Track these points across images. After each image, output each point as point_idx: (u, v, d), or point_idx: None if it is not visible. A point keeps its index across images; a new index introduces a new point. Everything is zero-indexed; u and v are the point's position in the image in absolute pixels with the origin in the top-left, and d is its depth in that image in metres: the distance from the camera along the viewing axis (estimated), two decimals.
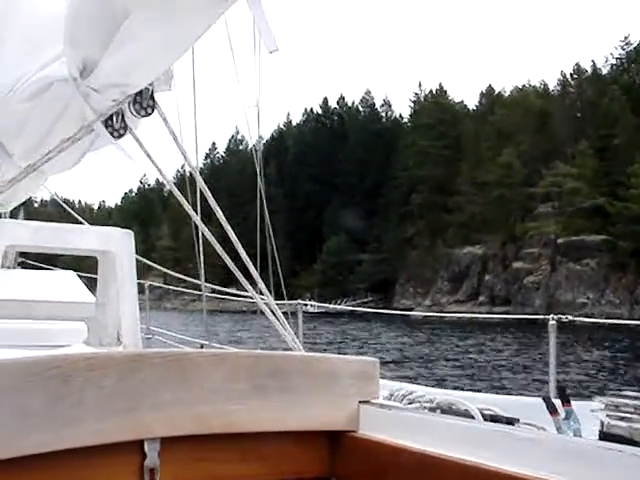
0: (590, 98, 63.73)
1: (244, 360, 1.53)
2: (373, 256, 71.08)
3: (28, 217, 4.81)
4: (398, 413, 1.61)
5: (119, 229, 2.46)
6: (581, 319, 3.70)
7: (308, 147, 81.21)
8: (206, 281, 5.42)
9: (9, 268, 3.47)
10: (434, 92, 78.22)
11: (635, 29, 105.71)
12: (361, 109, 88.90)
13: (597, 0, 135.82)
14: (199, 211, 4.71)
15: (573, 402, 2.69)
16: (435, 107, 74.53)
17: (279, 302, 4.19)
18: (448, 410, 1.88)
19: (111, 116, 2.30)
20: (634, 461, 1.10)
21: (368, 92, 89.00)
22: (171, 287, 5.63)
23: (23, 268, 4.40)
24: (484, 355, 24.40)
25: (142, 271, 4.03)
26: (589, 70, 68.39)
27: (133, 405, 1.35)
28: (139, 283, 2.79)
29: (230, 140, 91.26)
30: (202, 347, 4.21)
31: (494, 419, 1.88)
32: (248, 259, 2.60)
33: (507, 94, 74.15)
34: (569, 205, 58.29)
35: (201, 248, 4.94)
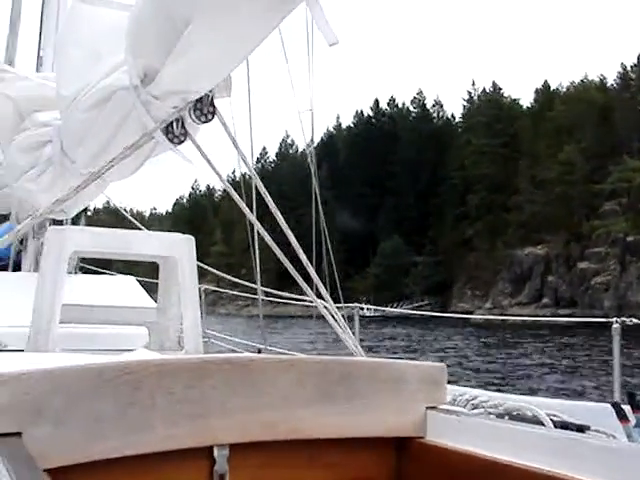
0: None
1: (312, 366, 1.53)
2: (428, 258, 70.35)
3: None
4: (467, 419, 1.58)
5: (181, 235, 2.48)
6: None
7: (359, 149, 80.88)
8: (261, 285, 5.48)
9: (71, 274, 3.55)
10: (487, 90, 77.22)
11: None
12: (412, 110, 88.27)
13: None
14: (255, 215, 4.75)
15: None
16: (490, 105, 73.47)
17: (336, 306, 4.18)
18: (516, 416, 1.84)
19: (171, 123, 2.32)
20: None
21: (420, 92, 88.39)
22: (227, 291, 5.66)
23: (83, 273, 4.48)
24: (548, 358, 23.84)
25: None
26: None
27: (202, 411, 1.36)
28: None
29: (281, 144, 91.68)
30: (259, 351, 4.23)
31: (564, 426, 1.82)
32: (308, 263, 2.60)
33: (564, 90, 72.58)
34: (639, 201, 56.11)
35: (257, 253, 4.98)
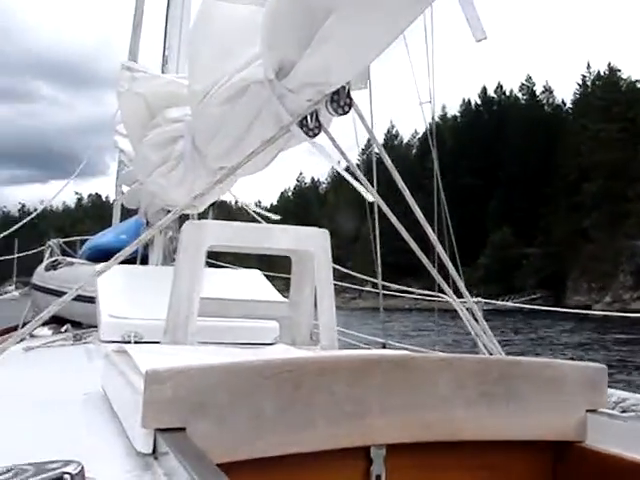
0: None
1: (470, 365, 1.47)
2: (540, 250, 68.23)
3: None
4: (634, 424, 1.48)
5: (316, 228, 2.47)
6: None
7: (466, 139, 79.39)
8: (372, 278, 5.43)
9: None
10: (602, 73, 73.87)
11: None
12: (521, 97, 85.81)
13: None
14: (375, 209, 4.69)
15: None
16: (606, 88, 70.19)
17: (460, 300, 4.08)
18: None
19: (306, 116, 2.30)
20: None
21: (528, 78, 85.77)
22: (350, 285, 5.65)
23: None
24: None
25: None
26: None
27: (362, 410, 1.33)
28: None
29: (385, 135, 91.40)
30: (384, 346, 4.18)
31: None
32: (444, 253, 2.51)
33: None
34: None
35: (378, 246, 4.94)
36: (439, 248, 2.55)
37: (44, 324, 5.31)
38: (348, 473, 1.39)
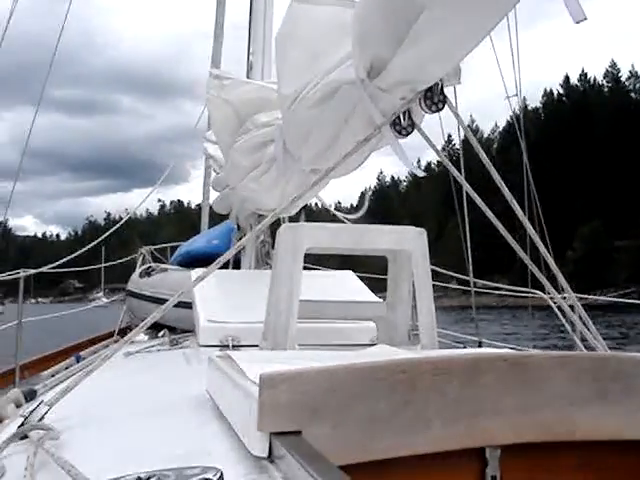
0: None
1: (586, 362, 1.42)
2: (633, 242, 65.72)
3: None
4: None
5: (413, 227, 2.44)
6: None
7: (550, 130, 77.21)
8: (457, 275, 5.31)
9: None
10: None
11: None
12: (605, 84, 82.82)
13: None
14: (464, 204, 4.60)
15: None
16: None
17: (549, 296, 3.97)
18: None
19: (398, 115, 2.28)
20: None
21: (613, 65, 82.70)
22: (439, 283, 5.56)
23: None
24: None
25: None
26: None
27: (476, 411, 1.31)
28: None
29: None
30: (480, 345, 4.11)
31: None
32: (544, 248, 2.44)
33: None
34: None
35: (469, 243, 4.86)
36: (538, 242, 2.48)
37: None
38: (463, 475, 1.36)
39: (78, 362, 4.18)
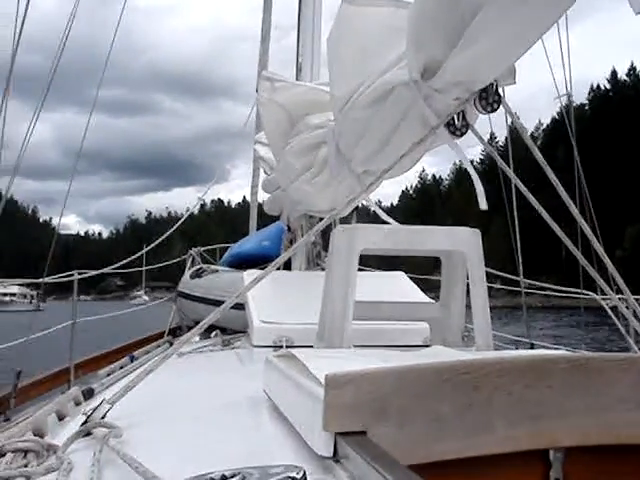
0: None
1: None
2: None
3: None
4: None
5: (468, 228, 2.43)
6: None
7: (596, 128, 75.65)
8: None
9: None
10: None
11: None
12: None
13: None
14: (513, 202, 4.55)
15: None
16: None
17: (601, 297, 3.90)
18: None
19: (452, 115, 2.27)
20: None
21: None
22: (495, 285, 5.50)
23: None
24: None
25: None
26: None
27: (540, 412, 1.30)
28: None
29: (511, 126, 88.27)
30: (532, 347, 4.06)
31: None
32: (601, 249, 2.41)
33: None
34: None
35: (519, 244, 4.80)
36: (594, 241, 2.45)
37: (190, 330, 5.54)
38: (526, 476, 1.35)
39: (132, 362, 4.25)
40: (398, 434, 1.22)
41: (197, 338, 4.41)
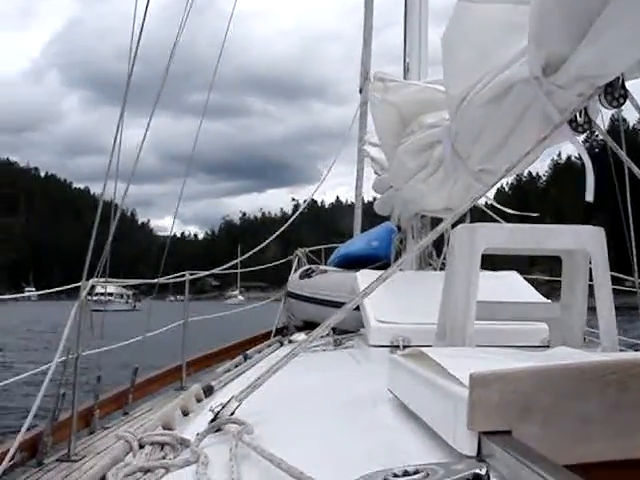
0: None
1: None
2: None
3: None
4: None
5: (591, 227, 2.37)
6: None
7: None
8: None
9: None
10: None
11: None
12: None
13: None
14: (627, 197, 4.38)
15: None
16: None
17: None
18: None
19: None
20: None
21: None
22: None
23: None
24: None
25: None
26: None
27: None
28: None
29: (612, 117, 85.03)
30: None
31: None
32: None
33: None
34: None
35: (633, 242, 4.59)
36: None
37: (299, 329, 5.62)
38: None
39: (245, 360, 4.35)
40: (544, 434, 1.20)
41: (303, 336, 4.46)
